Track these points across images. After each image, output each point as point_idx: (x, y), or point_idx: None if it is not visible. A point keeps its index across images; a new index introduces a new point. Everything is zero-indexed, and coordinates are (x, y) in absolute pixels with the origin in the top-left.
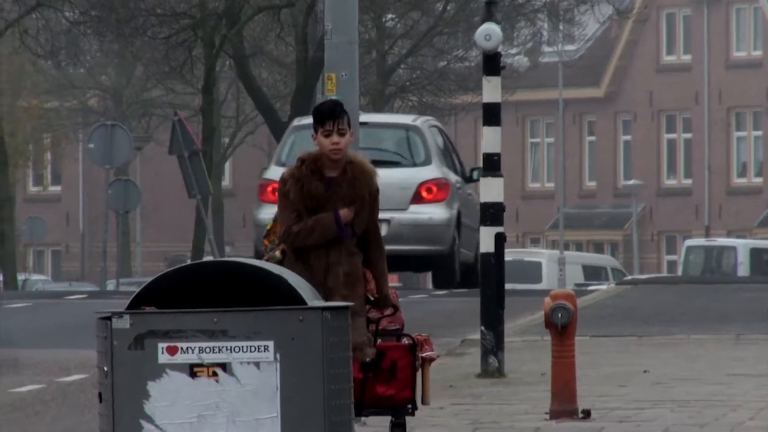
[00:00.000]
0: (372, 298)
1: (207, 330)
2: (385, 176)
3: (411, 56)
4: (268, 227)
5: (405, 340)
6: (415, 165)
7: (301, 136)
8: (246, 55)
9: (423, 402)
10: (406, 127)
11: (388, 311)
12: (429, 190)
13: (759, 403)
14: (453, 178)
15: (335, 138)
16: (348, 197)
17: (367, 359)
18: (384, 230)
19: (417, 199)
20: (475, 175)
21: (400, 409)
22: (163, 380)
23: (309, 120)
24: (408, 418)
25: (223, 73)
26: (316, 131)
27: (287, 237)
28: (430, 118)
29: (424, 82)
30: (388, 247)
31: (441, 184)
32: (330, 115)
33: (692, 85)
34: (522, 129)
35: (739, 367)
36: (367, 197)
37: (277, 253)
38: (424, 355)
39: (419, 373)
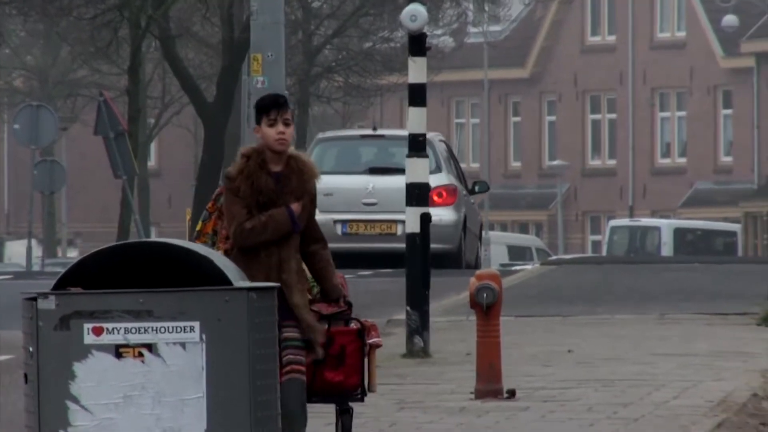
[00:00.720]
0: (311, 297)
1: (133, 311)
2: (399, 182)
3: (337, 37)
4: (198, 228)
5: (353, 325)
6: None
7: (325, 147)
8: (172, 36)
9: (369, 389)
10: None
11: (343, 307)
12: (440, 195)
13: (682, 382)
14: (459, 186)
15: (280, 127)
16: (297, 191)
17: (320, 353)
18: (399, 230)
19: (429, 202)
20: (477, 187)
21: (348, 395)
22: (89, 361)
23: (332, 133)
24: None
25: (149, 53)
26: (259, 123)
27: (240, 234)
28: (438, 133)
29: (350, 62)
30: (403, 245)
31: (450, 190)
32: (274, 105)
33: (617, 66)
34: (447, 110)
35: (662, 347)
36: (313, 191)
37: None
38: (371, 341)
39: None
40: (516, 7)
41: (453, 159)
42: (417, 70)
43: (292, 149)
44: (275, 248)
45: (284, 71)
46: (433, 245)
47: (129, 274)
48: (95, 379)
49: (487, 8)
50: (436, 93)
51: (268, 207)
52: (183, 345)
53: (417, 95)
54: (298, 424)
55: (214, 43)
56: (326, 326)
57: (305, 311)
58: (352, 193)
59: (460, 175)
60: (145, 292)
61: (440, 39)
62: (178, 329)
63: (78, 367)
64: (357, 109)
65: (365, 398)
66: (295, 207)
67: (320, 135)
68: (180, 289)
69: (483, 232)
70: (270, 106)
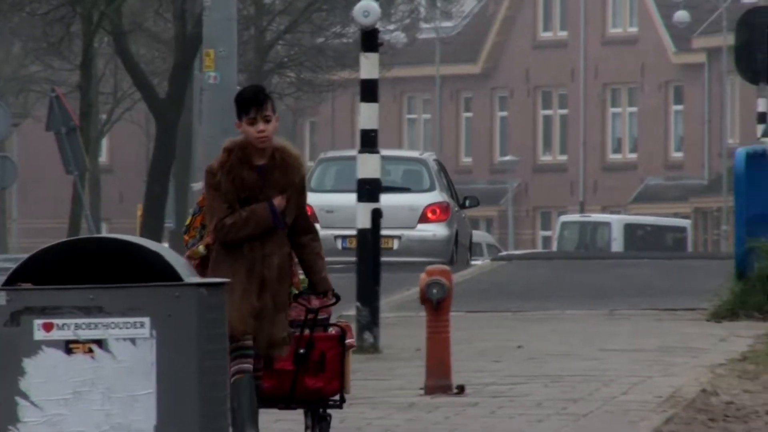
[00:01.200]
0: (296, 291)
1: (83, 306)
2: (396, 200)
3: (289, 32)
4: (187, 222)
5: (333, 330)
6: (421, 191)
7: (327, 166)
8: (124, 32)
9: (346, 391)
10: (415, 160)
11: (332, 300)
12: (433, 212)
13: (632, 377)
14: (452, 203)
15: (260, 126)
16: (280, 184)
17: (278, 357)
18: (396, 245)
19: (423, 219)
20: (467, 203)
21: (327, 401)
22: (39, 357)
23: (333, 153)
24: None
25: (101, 49)
26: (240, 119)
27: (221, 230)
28: (432, 153)
29: (302, 58)
30: (399, 259)
31: (443, 207)
32: (253, 102)
33: (568, 62)
34: (399, 105)
35: (612, 342)
36: (298, 183)
37: (201, 248)
38: (347, 342)
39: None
40: (468, 3)
41: (445, 175)
42: (369, 66)
43: (279, 140)
44: (258, 243)
45: (236, 67)
46: (426, 258)
47: (80, 269)
48: (45, 375)
49: (439, 4)
50: (388, 89)
51: (251, 202)
52: (133, 341)
53: (369, 91)
54: (247, 422)
55: (167, 39)
56: (295, 331)
57: (269, 313)
58: (350, 210)
59: (452, 191)
60: (95, 288)
61: (392, 35)
62: (129, 325)
63: (28, 363)
64: (309, 105)
65: (343, 404)
66: (278, 201)
67: (322, 155)
68: (130, 284)
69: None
70: (249, 105)
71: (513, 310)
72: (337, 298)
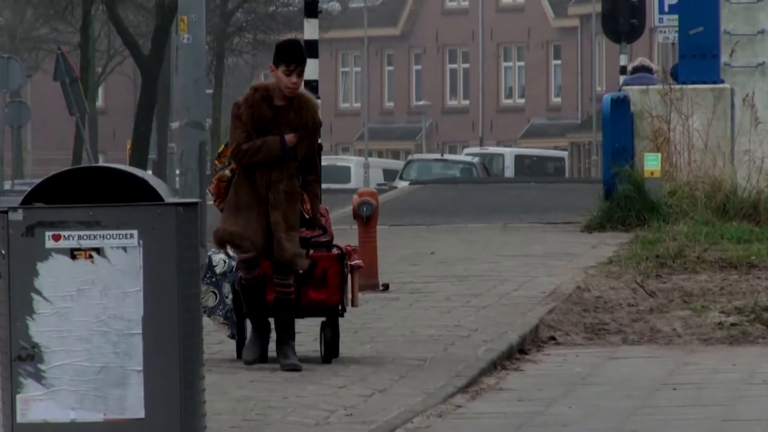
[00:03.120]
0: (307, 217)
1: (84, 221)
2: None
3: (247, 2)
4: (219, 150)
5: (334, 251)
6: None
7: (412, 164)
8: (115, 1)
9: (353, 304)
10: (468, 162)
11: (318, 232)
12: None
13: (522, 277)
14: None
15: (294, 78)
16: (293, 123)
17: (300, 270)
18: None
19: None
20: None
21: (330, 311)
22: (49, 261)
23: (418, 155)
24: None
25: (98, 15)
26: (276, 65)
27: (237, 153)
28: (479, 158)
29: (258, 22)
30: None
31: None
32: (296, 59)
33: (470, 26)
34: (335, 61)
35: (506, 249)
36: (310, 125)
37: (227, 172)
38: (353, 263)
39: (348, 280)
40: None
41: (486, 171)
42: (311, 29)
43: (302, 89)
44: (267, 170)
45: (204, 30)
46: None
47: (82, 192)
48: (54, 276)
49: None
50: (325, 47)
51: (266, 134)
52: (125, 249)
53: (311, 49)
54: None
55: (150, 7)
56: (306, 250)
57: (279, 229)
58: None
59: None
60: (94, 207)
61: (329, 4)
62: (121, 236)
63: (40, 267)
64: (263, 61)
65: (344, 313)
66: (289, 138)
67: (410, 157)
68: (122, 204)
69: (363, 158)
70: (292, 59)
71: (427, 224)
72: (323, 230)
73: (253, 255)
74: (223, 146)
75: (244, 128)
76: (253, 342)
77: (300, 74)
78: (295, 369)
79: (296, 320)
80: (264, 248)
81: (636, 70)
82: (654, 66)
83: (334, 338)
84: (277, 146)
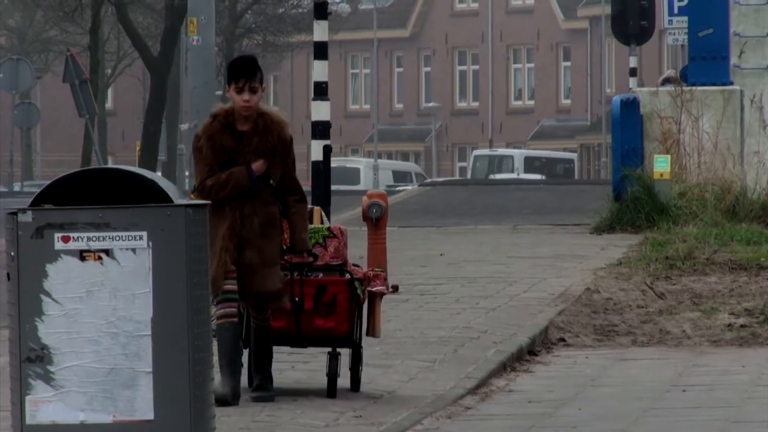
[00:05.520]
0: (285, 247)
1: (94, 223)
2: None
3: (256, 4)
4: (196, 183)
5: (346, 276)
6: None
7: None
8: (125, 3)
9: (374, 335)
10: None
11: (308, 259)
12: None
13: (531, 279)
14: None
15: (246, 95)
16: (259, 149)
17: (288, 304)
18: None
19: None
20: None
21: (339, 341)
22: (59, 263)
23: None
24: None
25: (107, 17)
26: (229, 85)
27: (202, 190)
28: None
29: (267, 24)
30: None
31: None
32: (243, 73)
33: (479, 28)
34: (345, 62)
35: (515, 251)
36: (279, 147)
37: None
38: (374, 289)
39: (367, 307)
40: None
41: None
42: (320, 31)
43: (266, 107)
44: (238, 204)
45: (214, 31)
46: None
47: (91, 193)
48: (64, 278)
49: None
50: (335, 49)
51: (230, 165)
52: (134, 250)
53: (320, 51)
54: (232, 364)
55: (159, 9)
56: (286, 276)
57: (256, 267)
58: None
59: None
60: (103, 208)
61: (339, 5)
62: (130, 237)
63: (50, 268)
64: (272, 62)
65: (359, 344)
66: (257, 166)
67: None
68: (131, 205)
69: (373, 160)
70: (239, 74)
71: (436, 226)
72: (314, 257)
73: (231, 286)
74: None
75: (205, 162)
76: (225, 380)
77: (252, 90)
78: (267, 400)
79: (299, 349)
80: (234, 291)
81: (666, 81)
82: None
83: (355, 373)
84: (244, 177)
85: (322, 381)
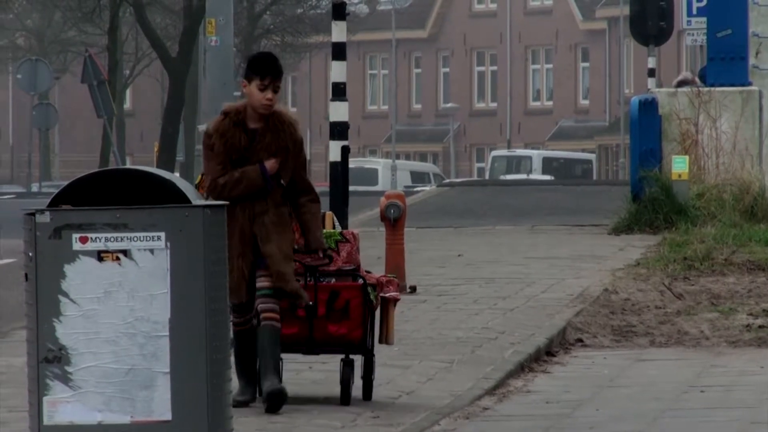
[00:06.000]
0: (296, 247)
1: (112, 223)
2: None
3: (275, 4)
4: (196, 182)
5: (359, 281)
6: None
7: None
8: (143, 4)
9: (387, 342)
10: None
11: (322, 258)
12: None
13: (549, 280)
14: None
15: (269, 94)
16: (272, 147)
17: (308, 303)
18: None
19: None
20: None
21: (352, 347)
22: (77, 263)
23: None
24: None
25: (125, 18)
26: (249, 80)
27: (214, 189)
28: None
29: (286, 25)
30: None
31: None
32: (270, 71)
33: (498, 28)
34: (363, 63)
35: (533, 252)
36: (291, 147)
37: None
38: (387, 295)
39: (380, 314)
40: None
41: None
42: (339, 32)
43: (277, 106)
44: (249, 203)
45: (232, 32)
46: None
47: (109, 194)
48: (81, 278)
49: None
50: (353, 50)
51: (243, 163)
52: (152, 251)
53: (339, 51)
54: (270, 367)
55: (177, 10)
56: (300, 281)
57: (277, 261)
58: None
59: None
60: (121, 209)
61: (357, 6)
62: (148, 238)
63: (68, 269)
64: (291, 63)
65: (372, 351)
66: (270, 164)
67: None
68: (149, 206)
69: (391, 161)
70: (267, 71)
71: (454, 226)
72: (329, 258)
73: (235, 304)
74: (199, 177)
75: (218, 160)
76: (244, 388)
77: (276, 89)
78: (279, 400)
79: (322, 367)
80: (247, 295)
81: (680, 84)
82: (693, 77)
83: (367, 382)
84: (257, 176)
85: (339, 382)
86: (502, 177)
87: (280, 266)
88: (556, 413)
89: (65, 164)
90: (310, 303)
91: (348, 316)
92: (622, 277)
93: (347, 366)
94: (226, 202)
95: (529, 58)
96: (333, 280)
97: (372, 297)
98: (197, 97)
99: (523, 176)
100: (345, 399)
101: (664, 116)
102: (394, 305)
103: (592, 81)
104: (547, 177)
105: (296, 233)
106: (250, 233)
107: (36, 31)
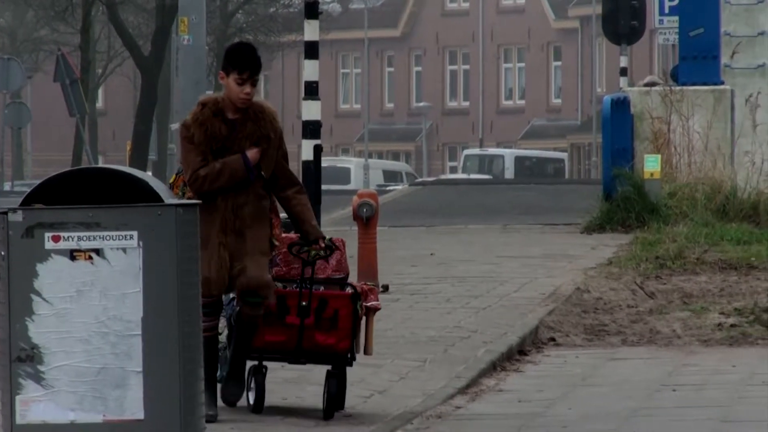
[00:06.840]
0: (276, 243)
1: (84, 222)
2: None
3: (247, 3)
4: (171, 180)
5: (348, 290)
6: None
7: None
8: (116, 3)
9: (366, 352)
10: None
11: (322, 246)
12: None
13: (522, 279)
14: None
15: (248, 88)
16: (254, 136)
17: (267, 300)
18: None
19: None
20: None
21: (338, 358)
22: (49, 262)
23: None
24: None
25: (98, 17)
26: (227, 73)
27: (195, 181)
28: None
29: (258, 24)
30: None
31: None
32: (249, 65)
33: (470, 27)
34: (335, 62)
35: (505, 251)
36: (273, 136)
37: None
38: (368, 304)
39: (362, 323)
40: None
41: None
42: (311, 31)
43: (255, 98)
44: (231, 194)
45: (205, 31)
46: None
47: (81, 193)
48: (54, 277)
49: None
50: (326, 48)
51: (223, 154)
52: (124, 250)
53: (311, 50)
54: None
55: (150, 9)
56: (294, 286)
57: (248, 255)
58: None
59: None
60: (94, 208)
61: (330, 5)
62: (120, 237)
63: (40, 268)
64: (264, 62)
65: (353, 362)
66: (252, 154)
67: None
68: (122, 205)
69: (363, 159)
70: (245, 66)
71: (426, 225)
72: (330, 247)
73: (211, 300)
74: (174, 176)
75: (197, 151)
76: (208, 402)
77: (254, 84)
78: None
79: (295, 366)
80: (225, 286)
81: (647, 86)
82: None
83: (340, 391)
84: (240, 166)
85: (311, 380)
86: (441, 177)
87: (246, 260)
88: (528, 412)
89: (38, 163)
90: (303, 303)
91: (336, 326)
92: (595, 276)
93: (332, 378)
94: (199, 201)
95: (502, 56)
96: (321, 288)
97: (358, 307)
98: (170, 96)
99: (463, 176)
100: (328, 414)
101: (637, 115)
102: (374, 314)
103: (565, 80)
104: (486, 176)
105: (275, 228)
106: (233, 223)
107: (8, 29)
